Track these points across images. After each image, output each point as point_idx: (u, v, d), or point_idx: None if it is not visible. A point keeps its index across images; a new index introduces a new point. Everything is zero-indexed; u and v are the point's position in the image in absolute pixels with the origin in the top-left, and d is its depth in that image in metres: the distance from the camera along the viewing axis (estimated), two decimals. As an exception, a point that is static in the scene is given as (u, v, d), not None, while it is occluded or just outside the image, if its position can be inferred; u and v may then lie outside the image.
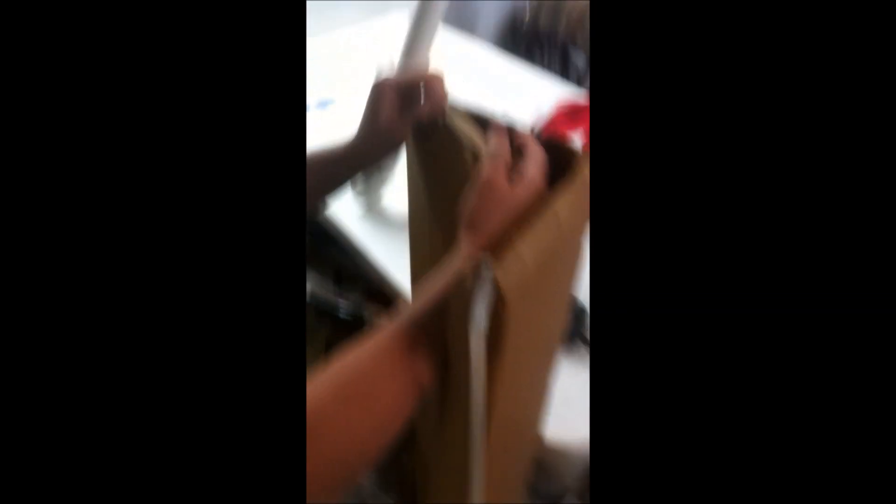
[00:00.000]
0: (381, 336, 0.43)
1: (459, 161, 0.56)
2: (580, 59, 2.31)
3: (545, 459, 0.73)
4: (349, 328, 1.05)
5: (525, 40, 2.35)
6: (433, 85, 0.60)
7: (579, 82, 1.94)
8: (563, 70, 2.39)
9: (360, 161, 0.64)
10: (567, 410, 0.72)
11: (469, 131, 0.57)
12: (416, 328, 0.43)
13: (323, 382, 0.40)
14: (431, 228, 0.68)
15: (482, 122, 0.59)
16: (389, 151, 0.64)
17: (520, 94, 1.48)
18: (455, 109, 0.60)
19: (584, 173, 0.50)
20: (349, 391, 0.40)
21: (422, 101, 0.61)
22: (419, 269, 0.80)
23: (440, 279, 0.46)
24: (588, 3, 2.00)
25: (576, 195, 0.48)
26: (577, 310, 0.84)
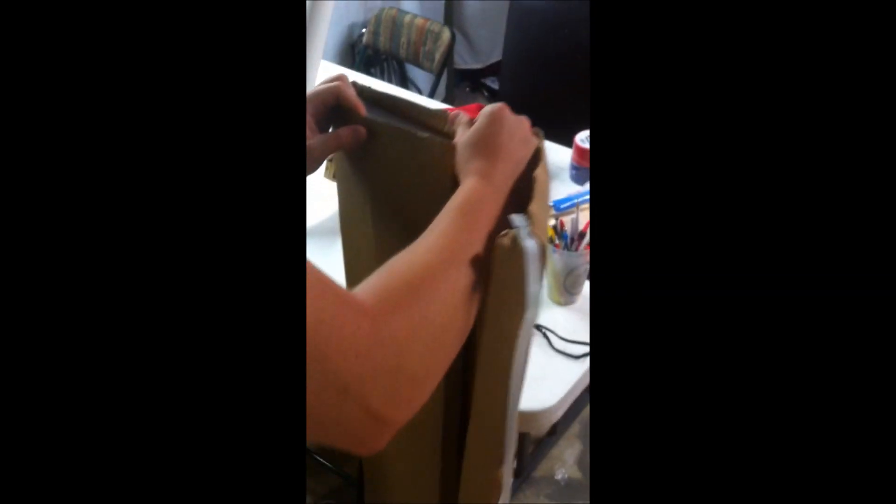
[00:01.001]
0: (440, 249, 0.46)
1: (412, 143, 0.60)
2: (420, 78, 2.44)
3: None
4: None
5: (363, 59, 2.43)
6: (346, 94, 0.62)
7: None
8: (403, 87, 2.50)
9: None
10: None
11: (395, 120, 0.62)
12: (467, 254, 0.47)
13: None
14: (381, 222, 0.71)
15: (389, 103, 0.64)
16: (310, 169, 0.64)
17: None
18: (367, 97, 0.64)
19: (541, 147, 0.59)
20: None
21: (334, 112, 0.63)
22: (358, 269, 0.82)
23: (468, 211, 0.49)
24: (427, 23, 2.13)
25: (542, 164, 0.57)
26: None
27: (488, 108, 0.56)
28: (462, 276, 0.46)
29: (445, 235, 0.47)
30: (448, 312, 0.44)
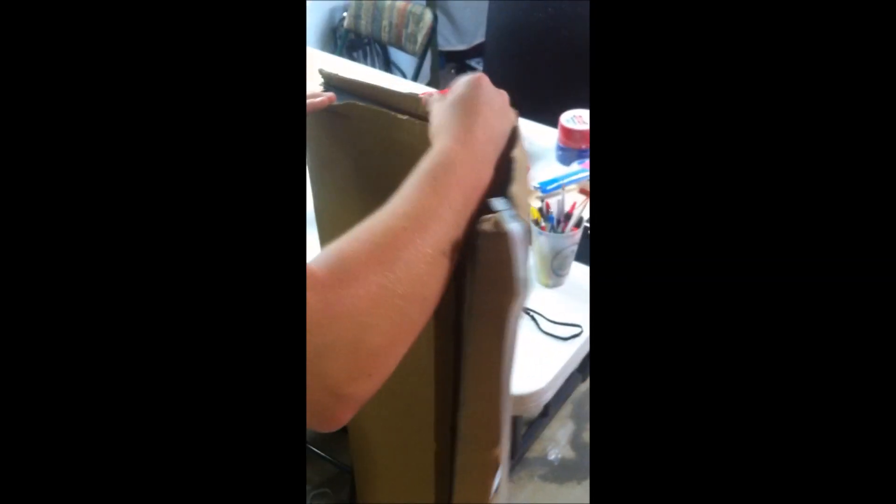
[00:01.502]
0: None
1: (392, 126, 0.60)
2: (403, 62, 2.42)
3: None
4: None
5: (345, 44, 2.40)
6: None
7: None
8: (386, 71, 2.47)
9: None
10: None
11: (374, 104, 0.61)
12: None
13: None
14: (367, 208, 0.71)
15: (357, 89, 0.63)
16: None
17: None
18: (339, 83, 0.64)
19: (517, 125, 0.58)
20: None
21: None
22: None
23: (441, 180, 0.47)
24: (408, 4, 2.10)
25: (520, 144, 0.56)
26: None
27: (467, 76, 0.55)
28: (427, 243, 0.43)
29: (410, 199, 0.45)
30: (412, 281, 0.42)
